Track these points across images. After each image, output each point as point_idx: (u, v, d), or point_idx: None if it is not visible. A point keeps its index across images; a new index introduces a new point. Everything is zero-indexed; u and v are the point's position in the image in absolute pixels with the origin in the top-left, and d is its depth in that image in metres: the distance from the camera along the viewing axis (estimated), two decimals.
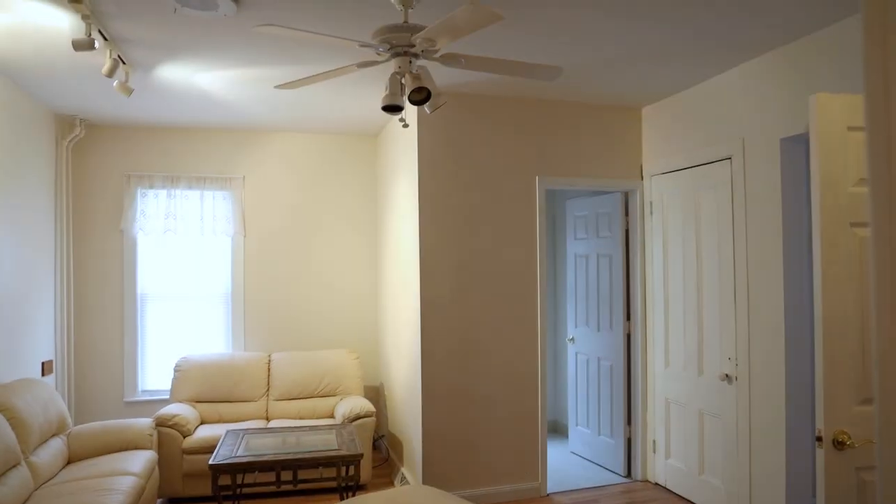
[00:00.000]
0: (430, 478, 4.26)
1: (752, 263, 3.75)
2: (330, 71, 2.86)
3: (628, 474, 4.84)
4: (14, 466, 3.24)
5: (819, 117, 2.23)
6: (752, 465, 3.75)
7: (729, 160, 3.93)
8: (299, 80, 2.93)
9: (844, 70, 3.14)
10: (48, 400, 3.84)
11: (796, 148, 3.56)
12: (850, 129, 2.26)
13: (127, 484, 3.43)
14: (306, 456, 3.35)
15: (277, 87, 3.05)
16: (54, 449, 3.76)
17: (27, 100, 4.37)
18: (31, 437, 3.47)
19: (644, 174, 4.79)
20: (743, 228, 3.81)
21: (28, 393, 3.65)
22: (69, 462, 3.91)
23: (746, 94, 3.80)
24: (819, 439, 2.17)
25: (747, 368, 3.78)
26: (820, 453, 2.17)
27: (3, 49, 3.48)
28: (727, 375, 3.95)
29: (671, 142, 4.50)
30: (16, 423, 3.37)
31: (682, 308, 4.38)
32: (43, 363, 4.59)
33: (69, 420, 4.11)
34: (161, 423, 4.35)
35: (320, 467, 3.38)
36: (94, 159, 5.25)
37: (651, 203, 4.70)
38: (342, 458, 3.37)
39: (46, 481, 3.55)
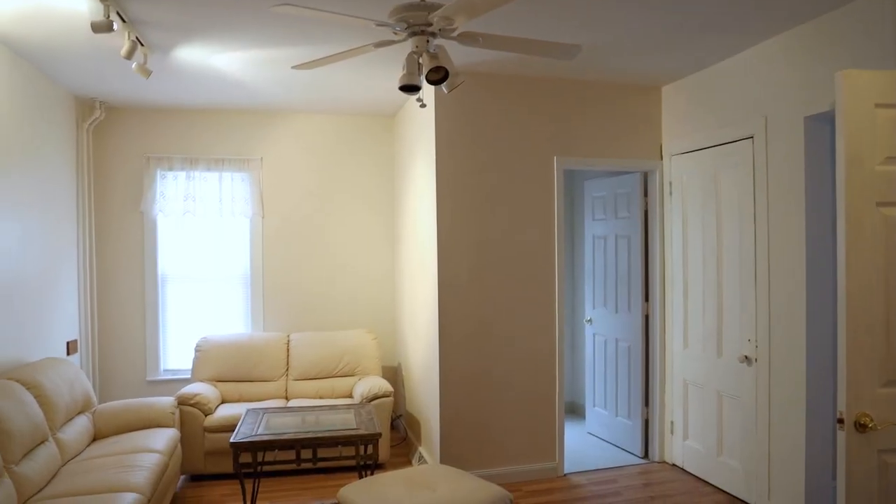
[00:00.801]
0: (447, 457, 4.30)
1: (774, 244, 3.70)
2: (347, 51, 2.85)
3: (645, 455, 4.85)
4: (42, 443, 3.33)
5: (846, 94, 2.18)
6: (771, 447, 3.73)
7: (751, 139, 3.86)
8: (316, 60, 2.92)
9: (872, 46, 3.05)
10: (73, 379, 3.93)
11: (821, 126, 3.48)
12: (878, 105, 2.21)
13: (151, 460, 3.50)
14: (325, 435, 3.40)
15: (295, 67, 3.04)
16: (80, 426, 3.85)
17: (48, 83, 4.41)
18: (57, 414, 3.55)
19: (664, 154, 4.73)
20: (764, 208, 3.75)
21: (54, 372, 3.73)
22: (95, 439, 4.00)
23: (770, 71, 3.72)
24: (840, 421, 2.15)
25: (767, 350, 3.75)
26: (841, 435, 2.15)
27: (25, 33, 3.50)
28: (746, 357, 3.91)
29: (692, 121, 4.43)
30: (43, 400, 3.45)
31: (701, 289, 4.34)
32: (68, 343, 4.68)
33: (94, 398, 4.20)
34: (183, 402, 4.43)
35: (339, 446, 3.42)
36: (114, 141, 5.29)
37: (671, 183, 4.64)
38: (361, 437, 3.40)
39: (73, 457, 3.64)
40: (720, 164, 4.15)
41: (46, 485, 3.21)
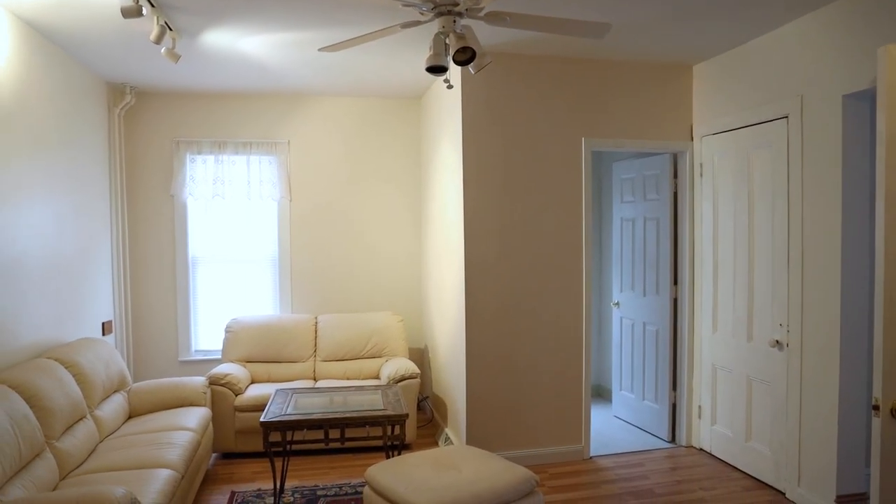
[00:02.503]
0: (473, 439, 4.32)
1: (808, 226, 3.61)
2: (373, 32, 2.83)
3: (672, 440, 4.82)
4: (81, 419, 3.43)
5: (889, 70, 2.11)
6: (802, 433, 3.68)
7: (785, 119, 3.77)
8: (343, 42, 2.92)
9: None
10: (109, 358, 4.03)
11: (859, 104, 3.38)
12: None
13: (184, 438, 3.59)
14: (353, 415, 3.44)
15: (321, 49, 3.03)
16: (116, 404, 3.96)
17: (81, 70, 4.48)
18: (94, 392, 3.65)
19: (694, 135, 4.64)
20: (799, 190, 3.67)
21: (90, 351, 3.83)
22: (130, 417, 4.11)
23: (806, 48, 3.61)
24: (876, 408, 2.11)
25: (799, 335, 3.68)
26: (876, 422, 2.11)
27: (57, 20, 3.55)
28: (778, 342, 3.85)
29: (724, 101, 4.33)
30: (81, 379, 3.55)
31: (731, 273, 4.27)
32: (103, 323, 4.80)
33: (129, 377, 4.30)
34: (214, 382, 4.52)
35: (367, 426, 3.46)
36: (144, 126, 5.37)
37: (701, 165, 4.56)
38: (388, 417, 3.44)
39: (110, 434, 3.74)
40: (753, 144, 4.06)
41: (85, 460, 3.32)
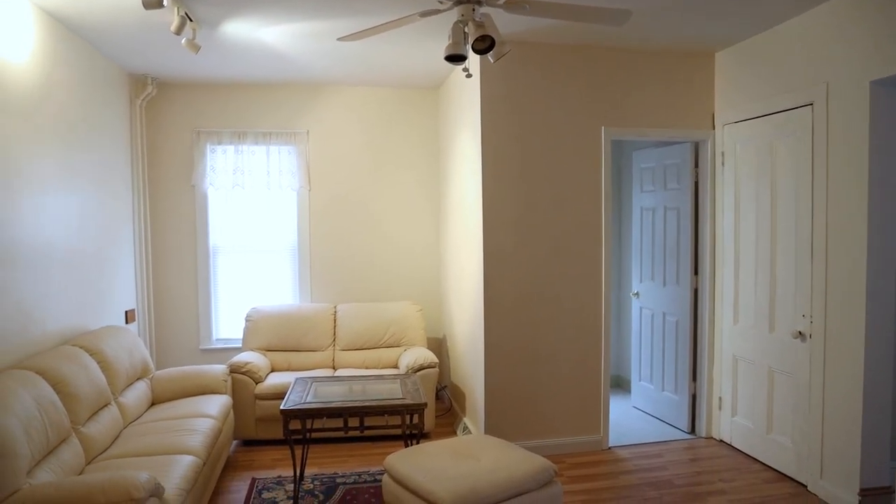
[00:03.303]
0: (491, 428, 4.33)
1: (833, 216, 3.55)
2: (392, 21, 2.83)
3: (692, 431, 4.79)
4: (105, 406, 3.49)
5: None
6: (825, 426, 3.64)
7: (810, 106, 3.70)
8: (361, 31, 2.91)
9: None
10: (132, 346, 4.09)
11: (888, 90, 3.30)
12: None
13: (206, 425, 3.64)
14: (373, 404, 3.46)
15: (340, 39, 3.03)
16: (139, 391, 4.02)
17: (103, 61, 4.53)
18: (118, 379, 3.72)
19: (716, 123, 4.57)
20: (823, 178, 3.60)
21: (114, 339, 3.90)
22: (153, 404, 4.18)
23: (831, 34, 3.53)
24: None
25: (823, 326, 3.63)
26: None
27: (80, 12, 3.59)
28: (800, 333, 3.80)
29: (746, 89, 4.26)
30: (105, 366, 3.61)
31: (753, 263, 4.22)
32: (126, 312, 4.87)
33: (151, 365, 4.37)
34: (234, 370, 4.58)
35: (386, 415, 3.48)
36: (165, 117, 5.42)
37: (723, 154, 4.50)
38: (407, 406, 3.46)
39: (134, 420, 3.81)
40: (776, 133, 4.00)
41: (110, 445, 3.38)
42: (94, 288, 4.28)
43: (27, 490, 2.40)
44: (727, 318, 4.49)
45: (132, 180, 5.10)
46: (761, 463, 4.19)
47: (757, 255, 4.18)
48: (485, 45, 2.68)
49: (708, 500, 3.69)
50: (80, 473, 2.99)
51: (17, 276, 3.29)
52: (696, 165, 4.69)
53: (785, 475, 3.99)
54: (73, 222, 3.99)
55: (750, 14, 3.74)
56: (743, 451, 4.38)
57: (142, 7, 3.12)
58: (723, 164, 4.50)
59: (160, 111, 5.40)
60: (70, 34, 3.97)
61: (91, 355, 3.55)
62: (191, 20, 3.63)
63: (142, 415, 3.94)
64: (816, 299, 3.67)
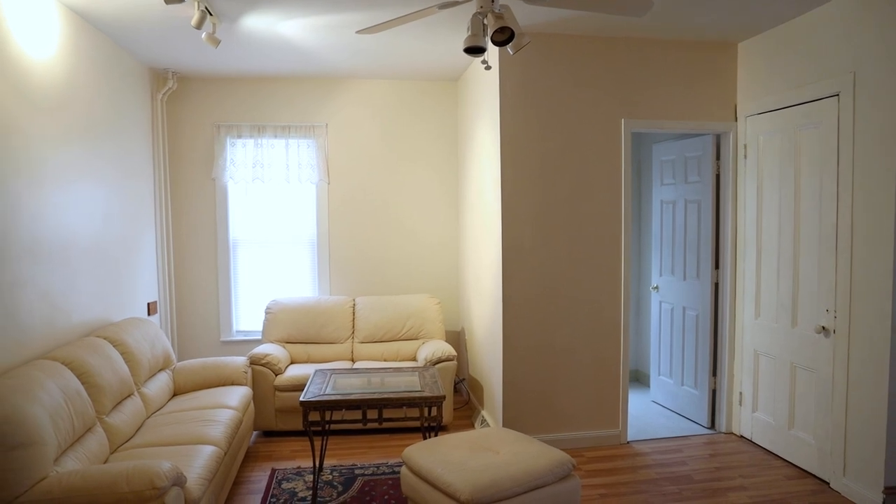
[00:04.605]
0: (509, 421, 4.34)
1: (859, 209, 3.49)
2: (411, 13, 2.82)
3: (712, 426, 4.75)
4: (129, 396, 3.55)
5: None
6: (849, 422, 3.58)
7: (836, 97, 3.63)
8: (380, 24, 2.91)
9: None
10: (154, 337, 4.15)
11: None
12: None
13: (227, 416, 3.68)
14: (391, 396, 3.48)
15: (359, 32, 3.03)
16: (162, 382, 4.08)
17: (126, 56, 4.58)
18: (141, 370, 3.77)
19: (738, 115, 4.51)
20: (849, 170, 3.54)
21: (137, 330, 3.95)
22: (175, 394, 4.24)
23: (859, 22, 3.46)
24: None
25: (847, 321, 3.57)
26: None
27: (103, 8, 3.63)
28: (824, 328, 3.75)
29: (770, 79, 4.19)
30: (128, 357, 3.66)
31: (776, 257, 4.16)
32: (148, 304, 4.94)
33: (173, 356, 4.43)
34: (254, 362, 4.62)
35: (404, 407, 3.49)
36: (185, 111, 5.47)
37: (745, 146, 4.43)
38: (425, 399, 3.46)
39: (156, 410, 3.87)
40: (801, 124, 3.93)
41: (133, 435, 3.44)
42: (117, 280, 4.35)
43: (54, 477, 2.45)
44: (748, 312, 4.44)
45: (154, 174, 5.16)
46: (782, 459, 4.15)
47: (779, 248, 4.13)
48: (504, 36, 2.67)
49: (728, 495, 3.66)
50: (105, 462, 3.04)
51: (44, 269, 3.34)
52: (718, 158, 4.63)
53: (807, 472, 3.94)
54: (97, 216, 4.05)
55: (774, 2, 3.68)
56: (764, 446, 4.33)
57: (163, 2, 3.14)
58: (745, 156, 4.44)
59: (181, 105, 5.45)
60: (93, 30, 4.01)
61: (115, 346, 3.61)
62: (211, 14, 3.66)
63: (164, 405, 4.00)
64: (841, 294, 3.62)
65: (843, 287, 3.59)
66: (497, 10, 2.67)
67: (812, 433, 3.89)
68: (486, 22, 2.71)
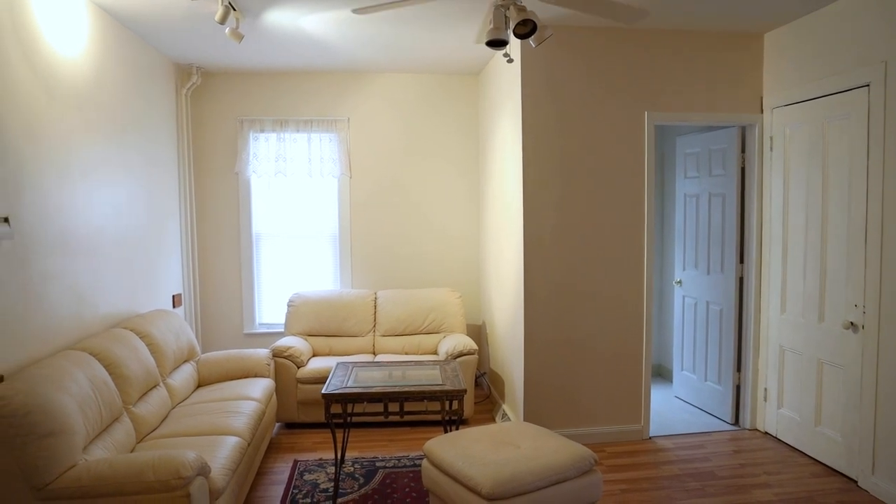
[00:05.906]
0: (530, 415, 4.33)
1: (890, 202, 3.41)
2: None
3: (736, 422, 4.70)
4: (154, 387, 3.61)
5: None
6: (878, 420, 3.52)
7: (866, 87, 3.55)
8: (379, 4, 2.86)
9: None
10: (179, 329, 4.21)
11: None
12: None
13: (250, 407, 3.73)
14: (413, 389, 3.49)
15: (355, 11, 2.98)
16: (186, 373, 4.14)
17: (151, 51, 4.63)
18: (167, 361, 3.83)
19: (764, 107, 4.43)
20: (880, 163, 3.46)
21: (162, 322, 4.01)
22: (199, 385, 4.30)
23: (890, 10, 3.37)
24: None
25: (876, 317, 3.50)
26: None
27: (129, 4, 3.68)
28: (852, 323, 3.68)
29: (798, 70, 4.11)
30: (154, 348, 3.72)
31: (802, 251, 4.09)
32: (173, 296, 5.01)
33: (198, 348, 4.49)
34: (277, 354, 4.67)
35: (425, 400, 3.50)
36: (209, 105, 5.52)
37: (771, 138, 4.35)
38: (446, 392, 3.47)
39: (181, 401, 3.93)
40: (829, 115, 3.85)
41: (159, 425, 3.50)
42: (142, 273, 4.41)
43: (83, 465, 2.50)
44: (774, 307, 4.37)
45: (178, 168, 5.22)
46: (808, 456, 4.09)
47: (806, 242, 4.05)
48: (526, 29, 2.65)
49: (752, 492, 3.62)
50: (132, 451, 3.10)
51: (72, 262, 3.41)
52: (743, 150, 4.56)
53: (834, 470, 3.88)
54: (123, 209, 4.11)
55: None
56: (789, 443, 4.27)
57: None
58: (771, 148, 4.36)
59: (205, 100, 5.50)
60: (119, 26, 4.07)
61: (141, 338, 3.67)
62: (234, 9, 3.69)
63: (188, 396, 4.06)
64: (870, 289, 3.54)
65: (873, 282, 3.52)
66: (519, 3, 2.66)
67: (839, 430, 3.82)
68: (507, 14, 2.69)
